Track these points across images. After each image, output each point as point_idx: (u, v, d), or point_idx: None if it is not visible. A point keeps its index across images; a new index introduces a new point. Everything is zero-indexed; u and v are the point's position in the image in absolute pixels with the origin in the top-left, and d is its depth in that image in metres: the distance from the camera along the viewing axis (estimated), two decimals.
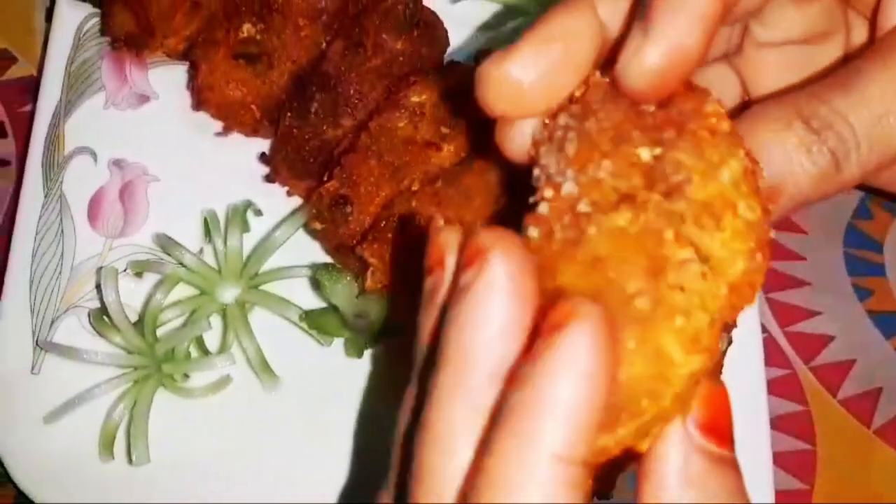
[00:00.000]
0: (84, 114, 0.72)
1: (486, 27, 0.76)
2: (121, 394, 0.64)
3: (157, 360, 0.65)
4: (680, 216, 0.34)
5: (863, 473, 0.68)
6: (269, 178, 0.69)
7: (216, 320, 0.67)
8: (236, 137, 0.71)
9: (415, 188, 0.63)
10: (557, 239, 0.35)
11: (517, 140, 0.40)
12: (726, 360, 0.53)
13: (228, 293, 0.67)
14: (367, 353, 0.66)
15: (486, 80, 0.38)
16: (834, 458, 0.68)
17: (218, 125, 0.71)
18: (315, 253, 0.68)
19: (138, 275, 0.67)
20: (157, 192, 0.71)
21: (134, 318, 0.66)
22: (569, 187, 0.36)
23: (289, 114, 0.66)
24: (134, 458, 0.63)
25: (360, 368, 0.66)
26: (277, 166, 0.68)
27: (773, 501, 0.62)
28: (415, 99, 0.64)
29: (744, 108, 0.41)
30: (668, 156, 0.35)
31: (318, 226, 0.64)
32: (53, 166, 0.70)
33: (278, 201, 0.69)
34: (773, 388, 0.68)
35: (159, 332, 0.66)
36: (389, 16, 0.67)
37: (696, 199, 0.34)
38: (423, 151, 0.64)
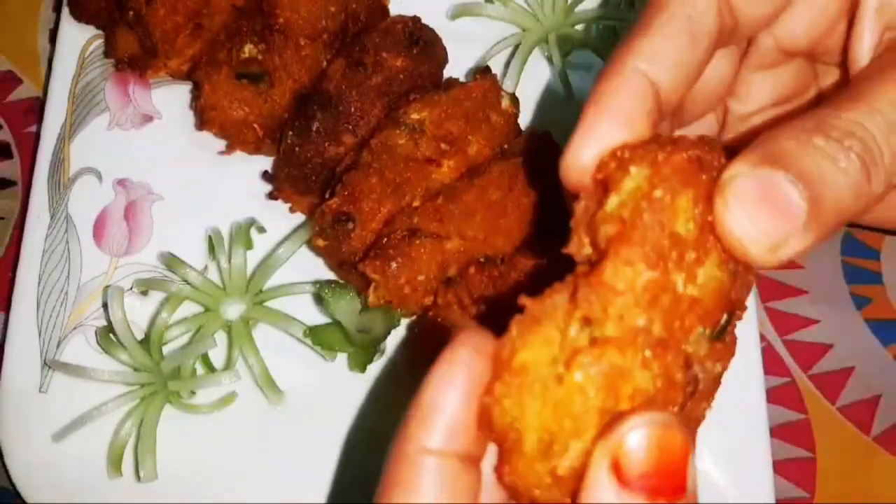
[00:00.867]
0: (89, 134, 0.73)
1: (484, 44, 0.76)
2: (128, 411, 0.65)
3: (163, 377, 0.66)
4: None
5: (863, 480, 0.68)
6: (271, 196, 0.69)
7: (221, 337, 0.67)
8: (239, 156, 0.72)
9: (416, 204, 0.64)
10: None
11: (579, 166, 0.41)
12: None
13: (233, 310, 0.68)
14: (371, 367, 0.67)
15: (567, 172, 0.40)
16: (834, 465, 0.69)
17: (221, 144, 0.72)
18: (318, 269, 0.68)
19: (144, 293, 0.68)
20: (162, 211, 0.72)
21: (140, 335, 0.67)
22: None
23: (291, 132, 0.67)
24: (142, 474, 0.63)
25: (363, 383, 0.66)
26: (280, 184, 0.69)
27: None
28: (415, 116, 0.65)
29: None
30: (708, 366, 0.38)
31: (321, 243, 0.64)
32: (59, 187, 0.71)
33: (281, 218, 0.70)
34: (773, 396, 0.68)
35: (165, 349, 0.67)
36: (389, 34, 0.68)
37: None
38: (423, 168, 0.65)
